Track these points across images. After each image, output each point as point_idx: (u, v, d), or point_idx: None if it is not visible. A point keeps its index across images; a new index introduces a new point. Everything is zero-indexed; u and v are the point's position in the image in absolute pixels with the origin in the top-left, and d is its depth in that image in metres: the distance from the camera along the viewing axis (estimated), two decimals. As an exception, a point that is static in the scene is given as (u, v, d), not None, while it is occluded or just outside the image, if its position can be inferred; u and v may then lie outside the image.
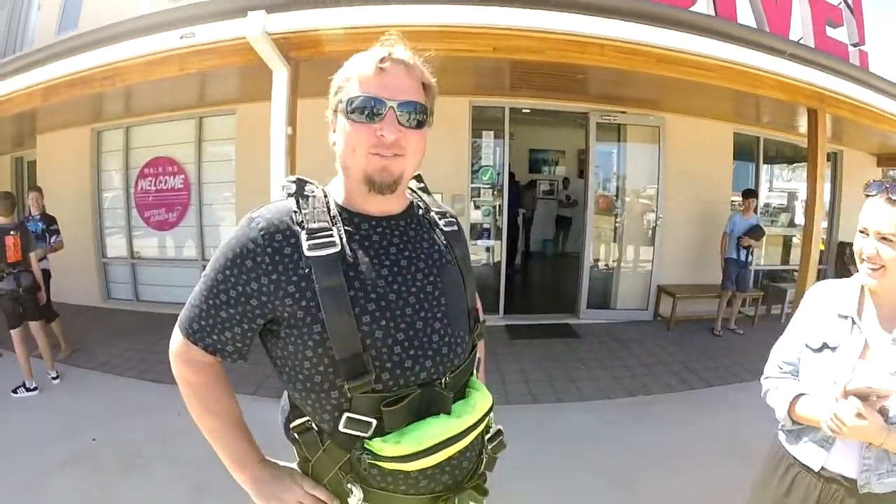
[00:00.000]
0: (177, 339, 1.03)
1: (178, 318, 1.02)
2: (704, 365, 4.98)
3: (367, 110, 0.93)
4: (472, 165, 6.13)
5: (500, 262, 6.40)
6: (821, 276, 6.81)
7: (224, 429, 1.06)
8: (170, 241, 6.75)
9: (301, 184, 1.00)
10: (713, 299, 6.18)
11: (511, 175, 6.47)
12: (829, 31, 4.82)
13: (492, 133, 6.18)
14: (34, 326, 4.23)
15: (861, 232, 1.32)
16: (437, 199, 1.22)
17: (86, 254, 6.79)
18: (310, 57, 3.51)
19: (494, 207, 6.36)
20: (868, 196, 1.36)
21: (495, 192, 6.30)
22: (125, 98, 5.51)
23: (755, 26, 4.17)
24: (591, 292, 6.41)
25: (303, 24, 3.35)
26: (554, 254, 10.94)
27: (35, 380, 4.03)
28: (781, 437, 1.48)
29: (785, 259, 8.01)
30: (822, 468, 1.34)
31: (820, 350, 1.37)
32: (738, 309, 6.29)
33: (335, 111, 0.99)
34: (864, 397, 1.16)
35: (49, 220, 5.09)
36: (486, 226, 6.34)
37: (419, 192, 1.18)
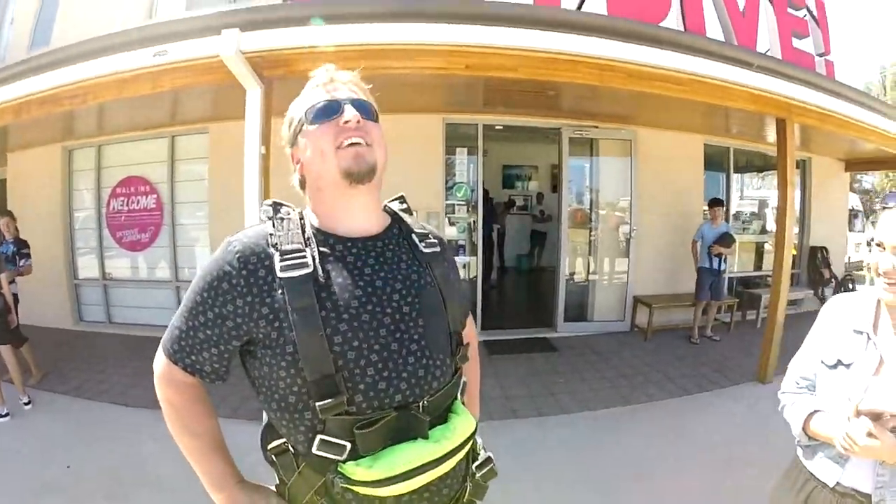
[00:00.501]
0: (160, 359, 1.05)
1: (162, 339, 1.04)
2: (683, 373, 5.04)
3: (326, 109, 1.00)
4: (447, 182, 6.15)
5: (476, 278, 6.41)
6: (794, 280, 6.97)
7: (203, 449, 1.06)
8: (143, 262, 6.62)
9: (277, 207, 1.02)
10: (689, 308, 6.28)
11: (485, 191, 6.52)
12: (796, 43, 4.97)
13: (465, 150, 6.25)
14: (5, 351, 4.13)
15: (877, 245, 1.30)
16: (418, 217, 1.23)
17: (57, 275, 6.62)
18: (283, 76, 3.48)
19: (469, 224, 6.39)
20: (885, 209, 1.34)
21: (469, 209, 6.34)
22: (97, 116, 5.42)
23: (723, 40, 4.26)
24: (567, 305, 6.45)
25: (277, 42, 3.33)
26: (529, 268, 10.99)
27: (6, 405, 3.91)
28: (799, 451, 1.49)
29: (758, 265, 8.17)
30: (838, 483, 1.34)
31: (835, 367, 1.37)
32: (714, 316, 6.39)
33: (293, 142, 1.06)
34: (876, 417, 1.17)
35: (21, 244, 4.98)
36: (461, 242, 6.37)
37: (401, 214, 1.18)
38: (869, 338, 1.32)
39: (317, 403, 0.90)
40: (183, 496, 2.73)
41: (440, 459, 0.95)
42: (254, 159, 3.40)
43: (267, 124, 3.48)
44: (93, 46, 3.74)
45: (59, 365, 5.04)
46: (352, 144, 0.98)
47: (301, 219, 1.02)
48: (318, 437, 0.92)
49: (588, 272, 6.75)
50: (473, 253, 6.41)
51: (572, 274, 6.64)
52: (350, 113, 0.98)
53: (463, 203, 6.30)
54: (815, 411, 1.38)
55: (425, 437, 0.96)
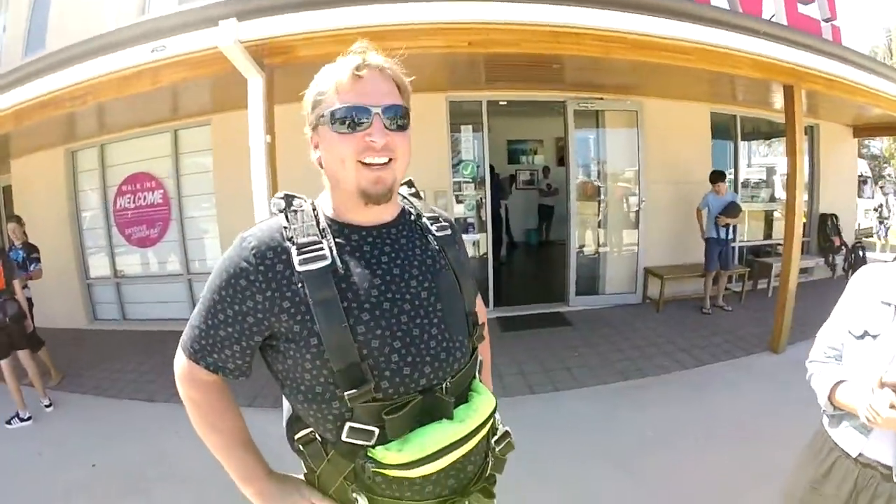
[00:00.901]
0: (180, 359, 1.04)
1: (181, 339, 1.04)
2: (696, 344, 5.05)
3: (351, 119, 0.93)
4: (452, 160, 6.13)
5: (486, 255, 6.42)
6: (804, 248, 6.93)
7: (229, 445, 1.06)
8: (153, 258, 6.67)
9: (289, 199, 1.00)
10: (700, 278, 6.26)
11: (491, 167, 6.50)
12: (801, 8, 4.88)
13: (470, 127, 6.20)
14: (23, 355, 4.14)
15: None
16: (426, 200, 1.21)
17: (69, 276, 6.68)
18: (284, 63, 3.46)
19: (477, 201, 6.38)
20: None
21: (477, 186, 6.33)
22: (98, 116, 5.41)
23: (728, 7, 4.19)
24: (579, 279, 6.46)
25: (275, 30, 3.30)
26: (538, 243, 11.00)
27: (28, 409, 3.94)
28: (825, 420, 1.48)
29: (767, 234, 8.13)
30: (860, 454, 1.34)
31: (861, 337, 1.35)
32: (725, 286, 6.37)
33: (314, 127, 0.99)
34: None
35: (30, 249, 5.00)
36: (470, 220, 6.37)
37: (410, 199, 1.18)
38: None
39: (345, 393, 0.91)
40: (206, 490, 2.79)
41: (465, 438, 0.97)
42: (259, 148, 3.39)
43: (270, 112, 3.47)
44: (90, 46, 3.73)
45: (77, 365, 5.09)
46: (374, 163, 0.94)
47: (314, 209, 1.01)
48: (347, 424, 0.93)
49: (598, 245, 6.74)
50: (483, 230, 6.40)
51: (582, 247, 6.63)
52: (378, 134, 0.93)
53: (470, 181, 6.29)
54: (841, 381, 1.37)
55: (450, 417, 0.98)
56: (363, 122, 0.93)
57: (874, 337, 1.32)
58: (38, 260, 5.00)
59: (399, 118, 0.96)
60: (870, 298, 1.37)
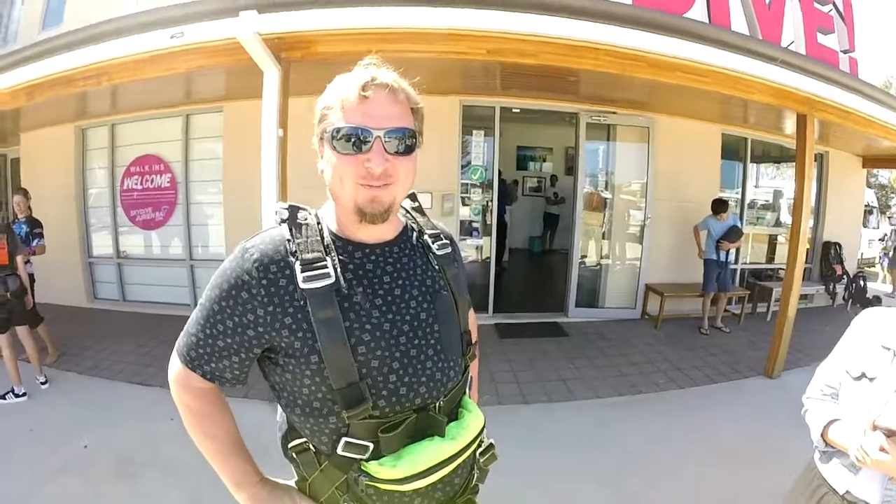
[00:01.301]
0: (175, 365, 1.04)
1: (176, 344, 1.04)
2: (692, 364, 5.05)
3: (353, 140, 0.92)
4: (462, 163, 6.15)
5: (489, 260, 6.43)
6: (806, 275, 6.93)
7: (223, 451, 1.08)
8: (156, 240, 6.66)
9: (294, 211, 1.00)
10: (698, 298, 6.27)
11: (498, 172, 6.51)
12: (821, 38, 4.88)
13: (482, 132, 6.21)
14: (21, 331, 4.14)
15: None
16: (428, 203, 1.21)
17: (71, 253, 6.69)
18: (301, 58, 3.47)
19: (483, 206, 6.39)
20: None
21: (484, 190, 6.34)
22: (111, 96, 5.42)
23: (748, 33, 4.19)
24: (579, 290, 6.47)
25: (295, 24, 3.30)
26: (542, 251, 11.00)
27: (24, 385, 3.95)
28: (816, 456, 1.51)
29: (770, 258, 8.14)
30: (847, 492, 1.37)
31: (859, 379, 1.38)
32: (724, 307, 6.38)
33: (321, 139, 0.98)
34: (891, 433, 1.19)
35: (34, 224, 4.97)
36: (475, 224, 6.38)
37: (413, 213, 1.18)
38: (895, 355, 1.33)
39: (344, 411, 0.92)
40: (195, 477, 2.80)
41: (457, 455, 0.99)
42: (271, 142, 3.39)
43: (284, 106, 3.47)
44: (108, 28, 3.72)
45: (75, 344, 5.10)
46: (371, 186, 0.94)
47: (318, 223, 1.01)
48: (343, 439, 0.95)
49: (600, 258, 6.75)
50: (487, 234, 6.42)
51: (584, 258, 6.64)
52: (377, 160, 0.91)
53: (478, 185, 6.31)
54: (835, 420, 1.41)
55: (442, 435, 1.00)
56: (365, 144, 0.91)
57: (871, 379, 1.35)
58: (41, 235, 4.97)
59: (406, 139, 0.95)
60: (870, 341, 1.40)
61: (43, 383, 4.13)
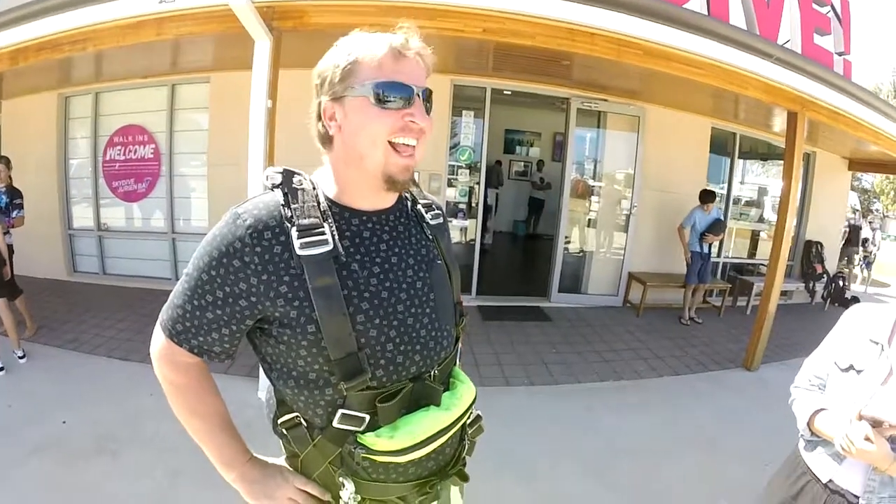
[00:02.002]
0: (159, 339, 1.00)
1: (160, 317, 0.99)
2: (672, 353, 5.13)
3: (397, 95, 0.89)
4: (450, 144, 6.12)
5: (474, 242, 6.44)
6: (787, 272, 7.03)
7: (210, 429, 1.04)
8: (138, 213, 6.53)
9: (288, 175, 0.95)
10: (679, 288, 6.34)
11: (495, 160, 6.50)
12: (817, 39, 4.88)
13: (472, 113, 6.17)
14: None
15: None
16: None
17: (51, 225, 6.52)
18: (294, 28, 3.39)
19: (470, 187, 6.38)
20: None
21: (472, 172, 6.32)
22: (96, 63, 5.27)
23: (745, 28, 4.19)
24: (562, 276, 6.52)
25: (289, -7, 3.24)
26: (525, 235, 11.07)
27: (1, 359, 3.87)
28: (801, 444, 1.54)
29: (752, 253, 8.26)
30: (830, 481, 1.40)
31: (846, 371, 1.41)
32: (701, 299, 6.47)
33: (338, 98, 0.92)
34: (876, 424, 1.22)
35: (14, 194, 4.75)
36: (461, 205, 6.37)
37: None
38: (883, 349, 1.36)
39: (343, 383, 0.90)
40: (176, 453, 2.79)
41: (452, 425, 0.99)
42: (260, 113, 3.33)
43: (274, 77, 3.41)
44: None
45: (54, 317, 5.00)
46: (407, 147, 0.92)
47: (314, 189, 0.97)
48: (340, 411, 0.93)
49: (585, 244, 6.79)
50: (473, 216, 6.41)
51: (569, 244, 6.67)
52: (420, 115, 0.91)
53: (465, 166, 6.28)
54: (821, 409, 1.44)
55: (438, 404, 0.99)
56: (404, 101, 0.90)
57: (858, 372, 1.38)
58: (20, 206, 4.77)
59: (430, 103, 0.95)
60: (859, 335, 1.43)
61: (21, 357, 4.03)
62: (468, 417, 1.12)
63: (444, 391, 1.04)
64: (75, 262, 6.78)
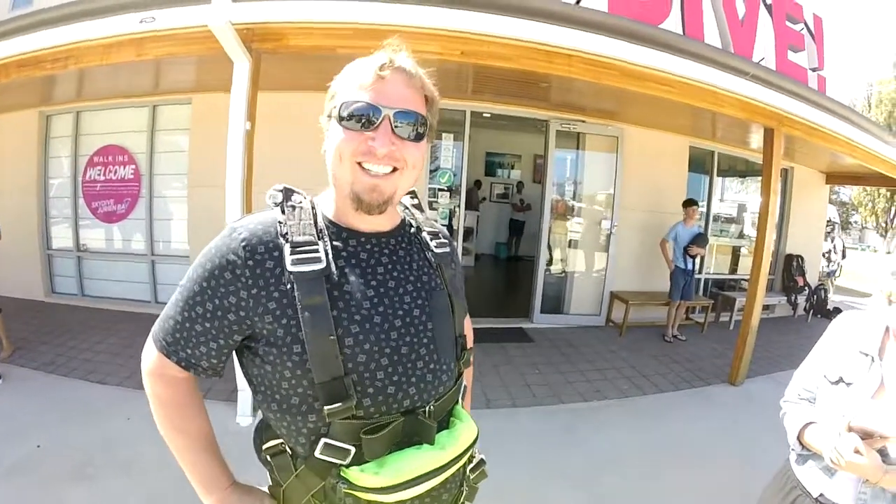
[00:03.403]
0: (151, 352, 0.98)
1: (152, 330, 0.98)
2: (656, 370, 5.12)
3: (360, 117, 0.88)
4: (430, 167, 6.15)
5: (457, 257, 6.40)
6: (768, 286, 7.11)
7: (194, 448, 1.01)
8: (118, 234, 6.45)
9: (288, 193, 0.95)
10: (663, 306, 6.37)
11: (476, 182, 6.53)
12: (791, 56, 5.02)
13: (451, 136, 6.21)
14: None
15: (894, 276, 1.32)
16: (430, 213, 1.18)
17: (29, 245, 6.42)
18: (273, 50, 3.40)
19: (451, 210, 6.39)
20: None
21: (452, 195, 6.33)
22: (78, 81, 5.24)
23: (720, 46, 4.28)
24: (544, 297, 6.51)
25: (268, 15, 3.24)
26: (507, 257, 11.12)
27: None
28: (792, 457, 1.53)
29: (733, 269, 8.34)
30: (821, 495, 1.38)
31: (836, 383, 1.40)
32: (683, 316, 6.51)
33: (329, 117, 0.94)
34: (866, 435, 1.20)
35: None
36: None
37: (412, 209, 1.14)
38: (873, 360, 1.35)
39: (325, 407, 0.86)
40: (153, 478, 2.71)
41: (445, 466, 0.93)
42: (238, 135, 3.31)
43: (253, 99, 3.40)
44: (78, 9, 3.60)
45: (31, 339, 4.89)
46: (371, 171, 0.89)
47: (313, 208, 0.96)
48: (322, 440, 0.88)
49: (566, 265, 6.80)
50: (455, 239, 6.37)
51: (550, 265, 6.68)
52: (383, 139, 0.87)
53: (446, 189, 6.30)
54: (811, 422, 1.42)
55: (431, 442, 0.94)
56: (372, 122, 0.88)
57: (848, 384, 1.36)
58: None
59: (415, 125, 0.91)
60: (848, 347, 1.42)
61: (-5, 379, 3.92)
62: (469, 460, 1.06)
63: (443, 429, 0.99)
64: (53, 282, 6.66)
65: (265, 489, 1.04)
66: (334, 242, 0.93)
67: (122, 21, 3.45)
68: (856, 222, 28.45)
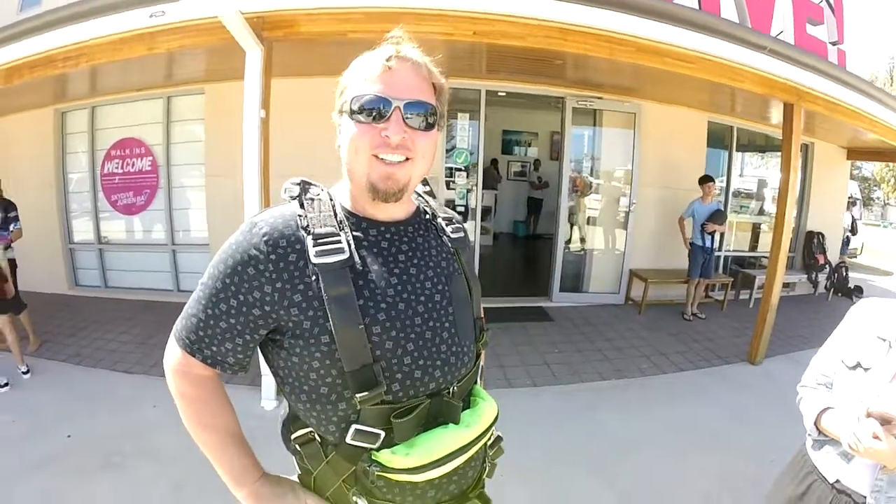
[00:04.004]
0: (174, 351, 0.98)
1: (174, 328, 0.98)
2: (675, 349, 5.10)
3: (371, 110, 0.89)
4: (446, 146, 6.14)
5: (473, 244, 6.40)
6: (788, 264, 7.02)
7: (222, 443, 1.02)
8: (138, 225, 6.55)
9: (305, 186, 0.96)
10: (683, 284, 6.33)
11: (493, 160, 6.49)
12: (810, 29, 4.88)
13: (467, 115, 6.19)
14: (2, 320, 4.04)
15: None
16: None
17: (51, 239, 6.55)
18: (284, 37, 3.40)
19: (468, 189, 6.37)
20: None
21: (469, 174, 6.32)
22: (90, 78, 5.29)
23: (737, 21, 4.18)
24: (563, 275, 6.50)
25: (277, 3, 3.24)
26: (525, 236, 11.06)
27: (5, 375, 3.86)
28: (808, 443, 1.52)
29: (753, 245, 8.23)
30: (837, 481, 1.38)
31: (854, 368, 1.39)
32: (702, 294, 6.45)
33: (340, 112, 0.95)
34: (885, 421, 1.19)
35: (8, 207, 4.68)
36: (459, 208, 6.34)
37: (425, 197, 1.15)
38: (891, 346, 1.33)
39: (357, 395, 0.87)
40: (182, 466, 2.79)
41: (471, 444, 0.95)
42: (253, 123, 3.33)
43: (267, 87, 3.41)
44: (87, 7, 3.61)
45: (56, 332, 5.00)
46: (387, 160, 0.91)
47: (331, 199, 0.97)
48: (353, 426, 0.90)
49: (585, 243, 6.78)
50: (472, 218, 6.41)
51: (569, 243, 6.65)
52: (395, 129, 0.88)
53: (462, 168, 6.29)
54: (828, 408, 1.41)
55: (456, 422, 0.96)
56: (383, 115, 0.89)
57: (866, 369, 1.35)
58: (17, 219, 4.70)
59: (425, 115, 0.92)
60: (866, 332, 1.40)
61: (24, 373, 4.03)
62: (489, 438, 1.08)
63: (465, 409, 1.01)
64: (76, 275, 6.80)
65: (294, 478, 1.06)
66: (354, 233, 0.94)
67: (132, 17, 3.46)
68: (878, 198, 27.83)
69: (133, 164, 6.33)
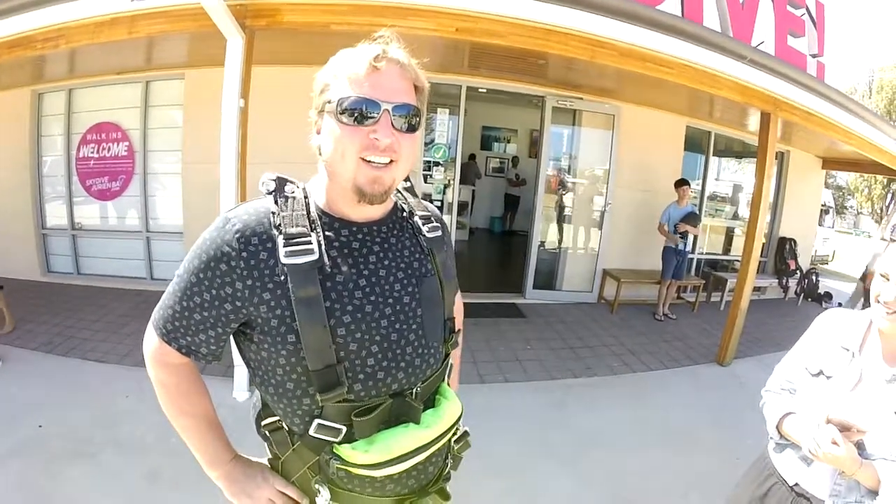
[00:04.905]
0: (152, 339, 1.01)
1: (152, 317, 1.01)
2: (646, 348, 5.19)
3: (359, 112, 0.88)
4: (425, 140, 6.16)
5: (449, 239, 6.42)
6: (760, 268, 7.17)
7: (198, 427, 1.06)
8: (112, 212, 6.42)
9: (281, 182, 0.97)
10: (655, 285, 6.44)
11: (471, 155, 6.51)
12: (791, 41, 4.98)
13: (447, 110, 6.21)
14: None
15: (882, 276, 1.33)
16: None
17: (24, 224, 6.39)
18: (267, 26, 3.37)
19: (445, 184, 6.41)
20: (893, 241, 1.41)
21: (447, 169, 6.35)
22: (69, 60, 5.18)
23: (719, 30, 4.25)
24: (537, 273, 6.55)
25: (260, -9, 3.22)
26: (502, 232, 11.14)
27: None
28: (770, 445, 1.56)
29: (726, 249, 8.40)
30: (797, 484, 1.42)
31: (816, 376, 1.44)
32: (673, 295, 6.58)
33: (320, 111, 0.94)
34: (844, 428, 1.23)
35: None
36: (436, 203, 6.36)
37: (404, 193, 1.16)
38: (854, 356, 1.39)
39: (318, 394, 0.91)
40: (155, 455, 2.75)
41: (430, 443, 0.99)
42: (232, 112, 3.30)
43: (247, 76, 3.38)
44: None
45: (28, 319, 4.89)
46: (375, 162, 0.90)
47: (305, 198, 0.97)
48: (316, 421, 0.94)
49: (560, 241, 6.84)
50: (448, 213, 6.43)
51: (544, 241, 6.71)
52: (384, 132, 0.88)
53: (440, 162, 6.31)
54: (790, 413, 1.46)
55: (417, 422, 0.99)
56: (371, 117, 0.88)
57: (828, 377, 1.40)
58: None
59: (411, 117, 0.92)
60: (830, 342, 1.46)
61: (-5, 362, 3.94)
62: (454, 434, 1.11)
63: (429, 408, 1.04)
64: (49, 261, 6.64)
65: (265, 461, 1.11)
66: (326, 233, 0.95)
67: (113, -1, 3.41)
68: (851, 207, 28.48)
69: (109, 149, 6.20)
